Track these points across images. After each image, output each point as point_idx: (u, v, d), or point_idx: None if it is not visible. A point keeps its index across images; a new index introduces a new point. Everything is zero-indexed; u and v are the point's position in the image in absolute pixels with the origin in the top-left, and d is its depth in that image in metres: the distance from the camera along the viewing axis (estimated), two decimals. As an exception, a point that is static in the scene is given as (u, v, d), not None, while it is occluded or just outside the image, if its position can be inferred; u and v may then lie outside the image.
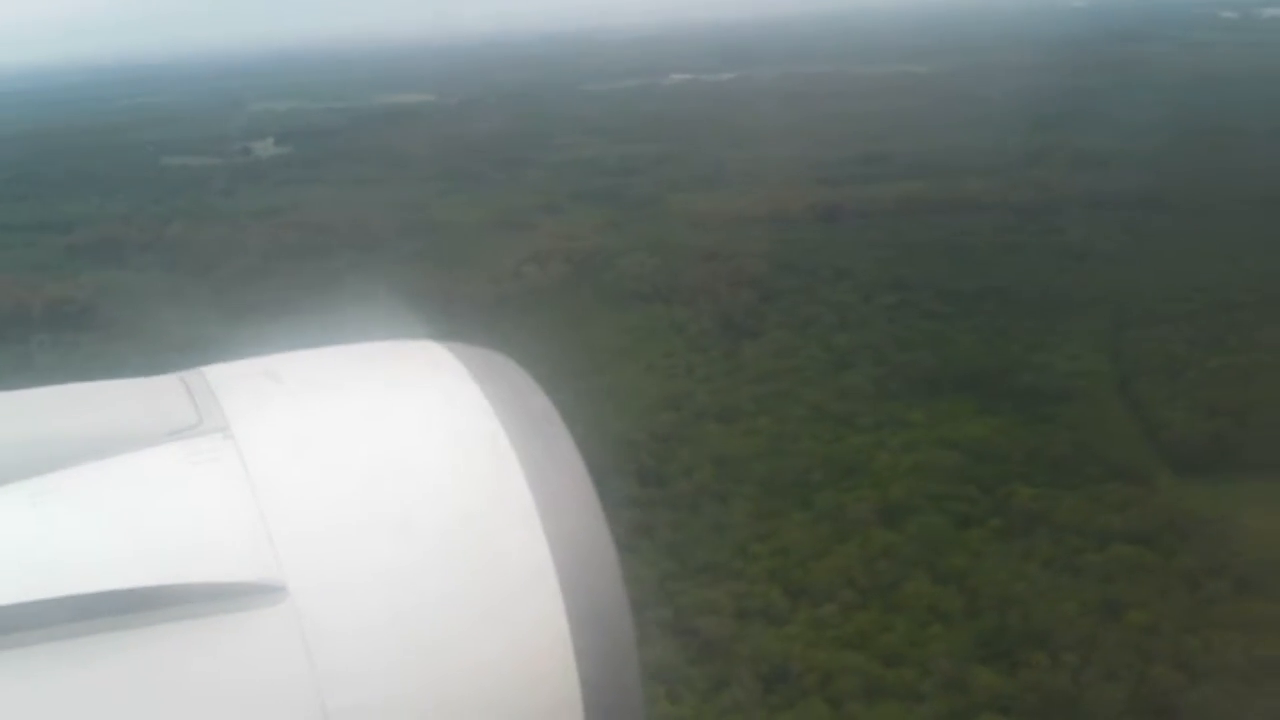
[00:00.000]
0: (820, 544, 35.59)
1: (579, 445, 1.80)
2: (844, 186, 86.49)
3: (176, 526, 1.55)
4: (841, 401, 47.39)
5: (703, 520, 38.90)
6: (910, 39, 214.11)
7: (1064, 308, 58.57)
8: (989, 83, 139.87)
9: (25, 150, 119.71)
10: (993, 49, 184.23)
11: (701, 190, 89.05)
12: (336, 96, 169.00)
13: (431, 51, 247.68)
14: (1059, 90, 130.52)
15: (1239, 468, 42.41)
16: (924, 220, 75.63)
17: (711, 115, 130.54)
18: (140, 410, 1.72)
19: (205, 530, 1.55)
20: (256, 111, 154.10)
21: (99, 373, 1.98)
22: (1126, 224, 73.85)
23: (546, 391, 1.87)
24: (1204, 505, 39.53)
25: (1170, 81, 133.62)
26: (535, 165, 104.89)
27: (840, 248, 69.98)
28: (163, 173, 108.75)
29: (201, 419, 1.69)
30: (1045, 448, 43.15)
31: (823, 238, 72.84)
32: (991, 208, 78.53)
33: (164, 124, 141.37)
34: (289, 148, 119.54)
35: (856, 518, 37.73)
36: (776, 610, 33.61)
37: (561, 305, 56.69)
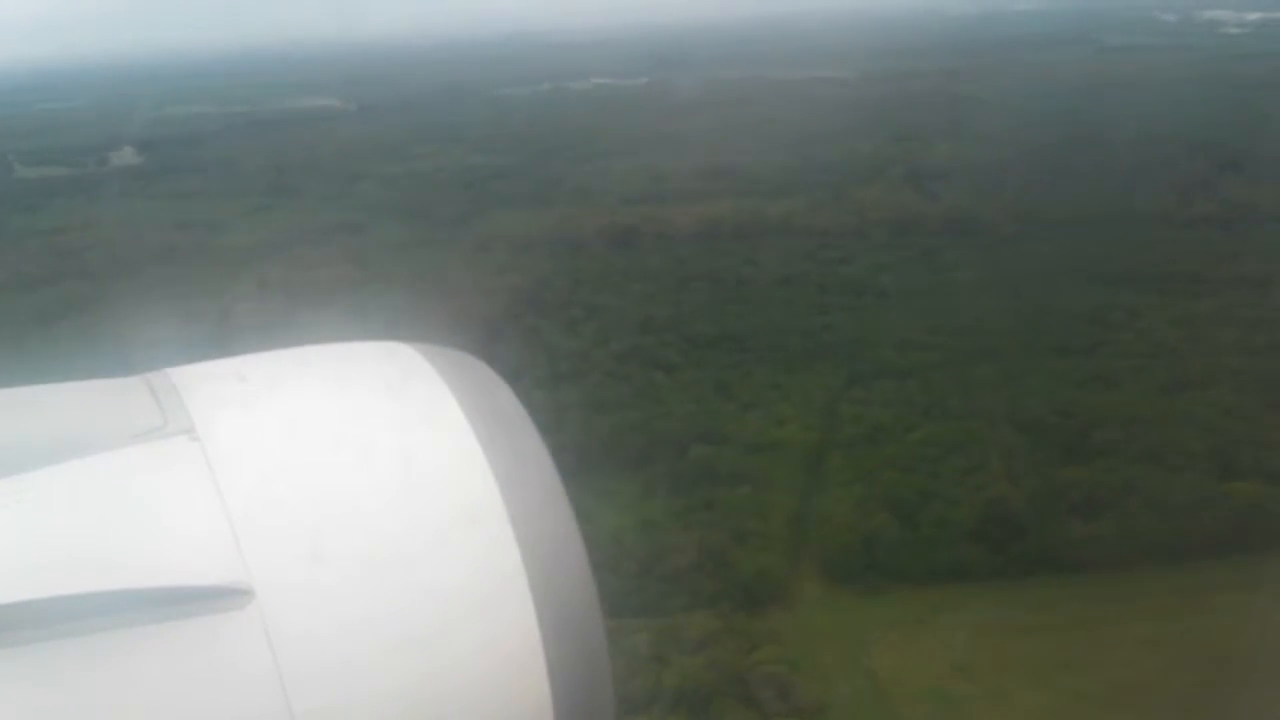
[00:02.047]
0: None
1: (548, 446, 1.70)
2: (663, 205, 77.43)
3: (142, 530, 1.46)
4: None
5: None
6: (854, 43, 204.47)
7: (805, 357, 49.72)
8: (892, 90, 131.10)
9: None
10: (920, 53, 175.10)
11: (521, 207, 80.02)
12: (247, 100, 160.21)
13: (376, 53, 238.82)
14: (950, 99, 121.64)
15: (896, 576, 33.87)
16: (718, 246, 66.64)
17: (595, 122, 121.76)
18: (104, 412, 1.62)
19: (171, 534, 1.47)
20: (156, 117, 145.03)
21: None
22: (926, 252, 64.91)
23: (517, 393, 1.75)
24: (816, 636, 30.91)
25: (1059, 90, 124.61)
26: (375, 178, 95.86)
27: (609, 279, 61.12)
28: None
29: (166, 421, 1.59)
30: (672, 553, 34.40)
31: (601, 266, 63.93)
32: (795, 232, 69.60)
33: (53, 131, 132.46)
34: (147, 157, 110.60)
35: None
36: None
37: (231, 353, 47.95)
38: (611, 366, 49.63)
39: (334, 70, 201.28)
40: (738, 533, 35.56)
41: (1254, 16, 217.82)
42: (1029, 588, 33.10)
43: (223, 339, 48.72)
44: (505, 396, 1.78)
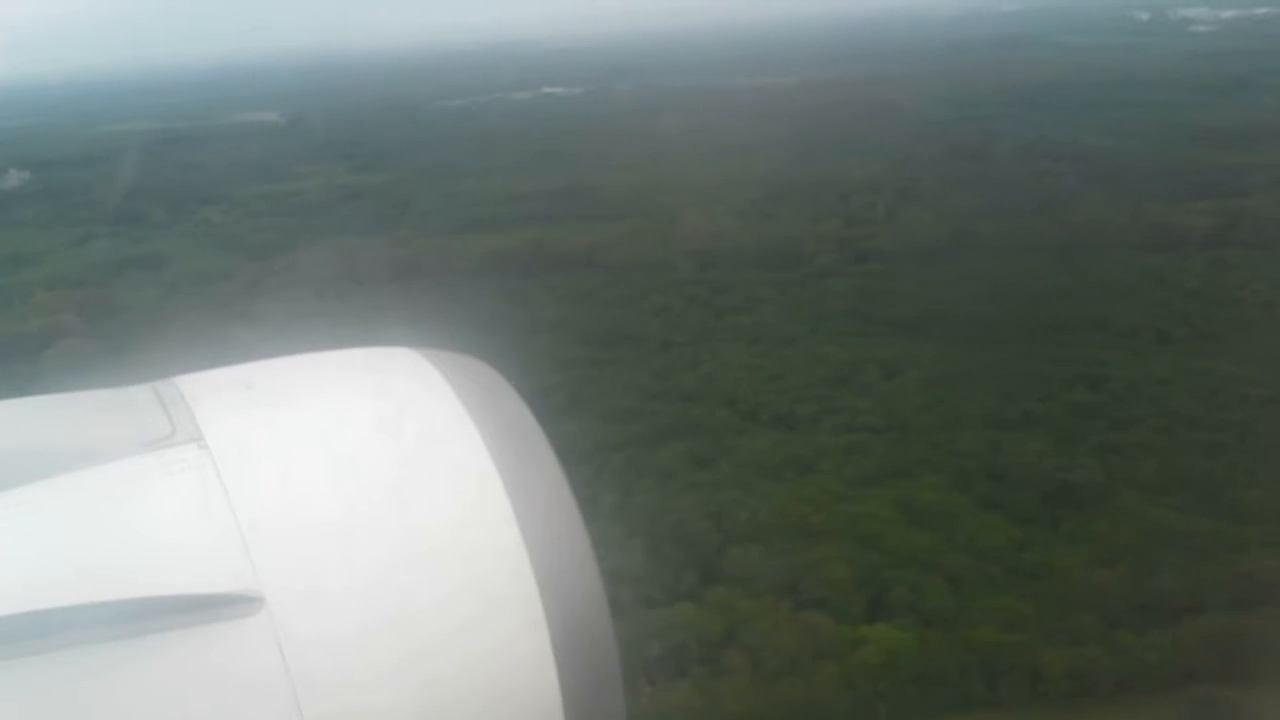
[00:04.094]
0: None
1: (557, 451, 1.61)
2: (481, 232, 69.11)
3: (152, 538, 1.40)
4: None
5: None
6: (825, 47, 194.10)
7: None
8: (817, 99, 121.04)
9: None
10: (876, 57, 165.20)
11: (343, 235, 71.55)
12: (189, 116, 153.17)
13: (349, 65, 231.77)
14: (868, 108, 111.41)
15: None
16: (490, 283, 57.82)
17: (501, 136, 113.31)
18: (113, 421, 1.55)
19: (180, 542, 1.41)
20: (78, 136, 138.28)
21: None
22: (720, 290, 55.76)
23: (524, 397, 1.67)
24: None
25: (982, 97, 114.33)
26: (229, 201, 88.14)
27: (335, 324, 52.39)
28: None
29: (175, 429, 1.52)
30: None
31: (341, 309, 55.13)
32: (592, 266, 60.65)
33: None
34: (28, 180, 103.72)
35: None
36: None
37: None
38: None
39: (298, 83, 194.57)
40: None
41: (1228, 14, 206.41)
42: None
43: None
44: (513, 402, 1.65)
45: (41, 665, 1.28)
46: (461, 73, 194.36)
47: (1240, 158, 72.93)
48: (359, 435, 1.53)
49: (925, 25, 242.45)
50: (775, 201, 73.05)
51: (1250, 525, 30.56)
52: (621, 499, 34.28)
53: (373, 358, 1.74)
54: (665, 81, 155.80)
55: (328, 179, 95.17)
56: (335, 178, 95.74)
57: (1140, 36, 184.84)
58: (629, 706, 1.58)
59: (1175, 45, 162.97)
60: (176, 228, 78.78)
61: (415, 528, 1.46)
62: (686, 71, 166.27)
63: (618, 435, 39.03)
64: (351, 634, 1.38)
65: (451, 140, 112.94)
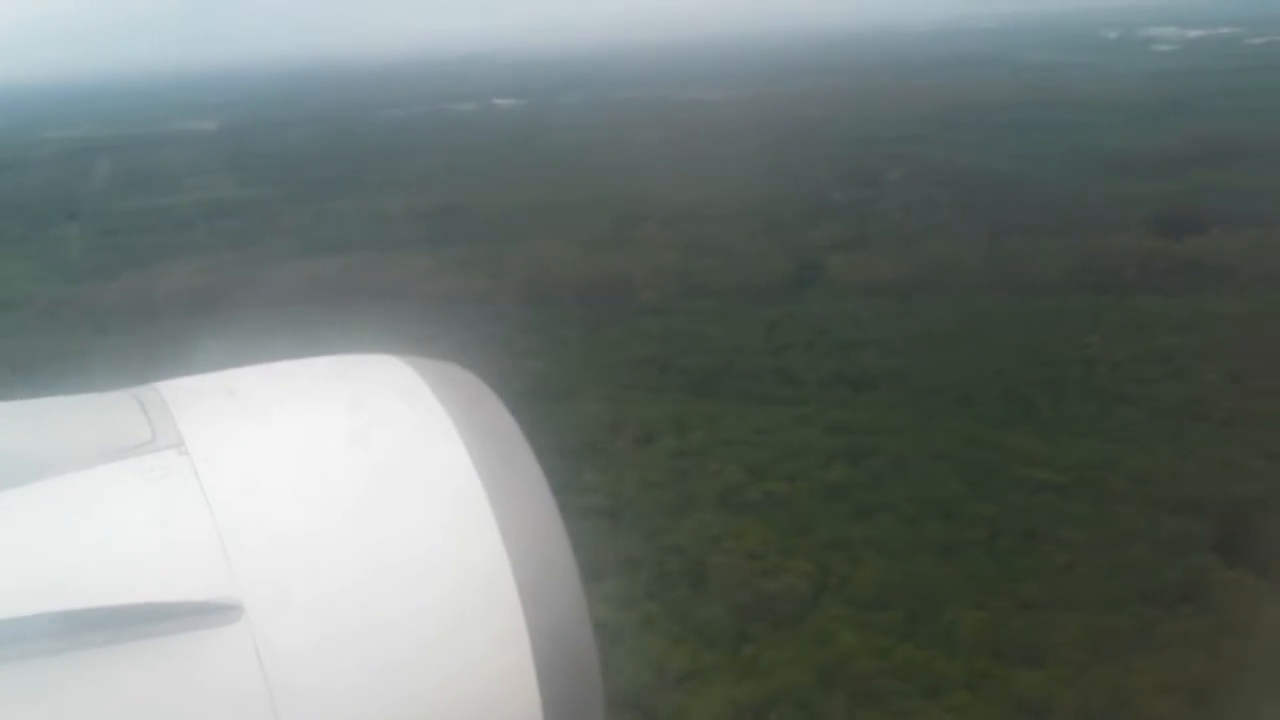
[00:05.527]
0: None
1: (540, 460, 1.57)
2: (318, 259, 63.56)
3: (130, 545, 1.35)
4: None
5: None
6: (787, 62, 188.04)
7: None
8: (751, 117, 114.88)
9: None
10: (824, 73, 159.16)
11: (174, 258, 66.15)
12: (133, 123, 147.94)
13: (321, 72, 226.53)
14: (778, 130, 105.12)
15: None
16: (285, 318, 51.85)
17: (421, 148, 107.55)
18: (93, 426, 1.51)
19: (159, 549, 1.36)
20: (20, 142, 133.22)
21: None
22: (529, 325, 50.01)
23: (508, 405, 1.63)
24: None
25: (894, 118, 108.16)
26: (95, 216, 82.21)
27: (83, 370, 46.84)
28: None
29: (156, 435, 1.47)
30: None
31: (114, 346, 49.72)
32: (423, 296, 54.94)
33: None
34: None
35: None
36: None
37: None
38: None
39: (258, 89, 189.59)
40: None
41: (1193, 34, 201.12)
42: None
43: None
44: (496, 409, 1.61)
45: (15, 673, 1.21)
46: (424, 81, 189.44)
47: (1132, 188, 66.99)
48: (340, 442, 1.45)
49: (895, 41, 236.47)
50: (637, 226, 67.44)
51: (958, 658, 24.63)
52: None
53: (357, 365, 1.66)
54: (613, 95, 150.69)
55: (207, 194, 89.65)
56: (216, 192, 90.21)
57: (1103, 55, 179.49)
58: None
59: (1132, 65, 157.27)
60: (25, 245, 73.31)
61: (398, 536, 1.39)
62: (640, 84, 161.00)
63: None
64: (331, 643, 1.32)
65: (367, 152, 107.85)
